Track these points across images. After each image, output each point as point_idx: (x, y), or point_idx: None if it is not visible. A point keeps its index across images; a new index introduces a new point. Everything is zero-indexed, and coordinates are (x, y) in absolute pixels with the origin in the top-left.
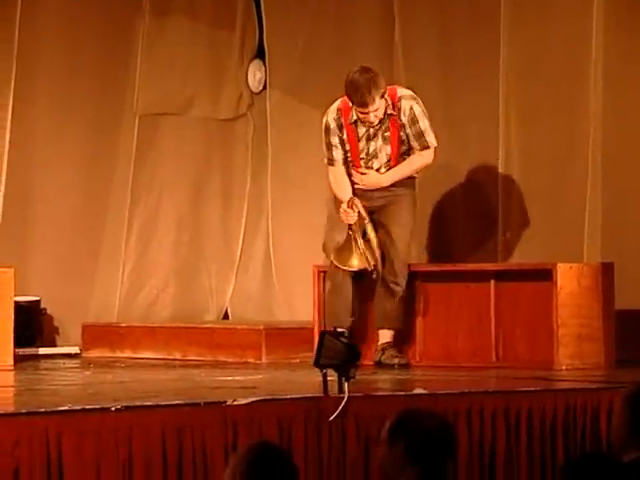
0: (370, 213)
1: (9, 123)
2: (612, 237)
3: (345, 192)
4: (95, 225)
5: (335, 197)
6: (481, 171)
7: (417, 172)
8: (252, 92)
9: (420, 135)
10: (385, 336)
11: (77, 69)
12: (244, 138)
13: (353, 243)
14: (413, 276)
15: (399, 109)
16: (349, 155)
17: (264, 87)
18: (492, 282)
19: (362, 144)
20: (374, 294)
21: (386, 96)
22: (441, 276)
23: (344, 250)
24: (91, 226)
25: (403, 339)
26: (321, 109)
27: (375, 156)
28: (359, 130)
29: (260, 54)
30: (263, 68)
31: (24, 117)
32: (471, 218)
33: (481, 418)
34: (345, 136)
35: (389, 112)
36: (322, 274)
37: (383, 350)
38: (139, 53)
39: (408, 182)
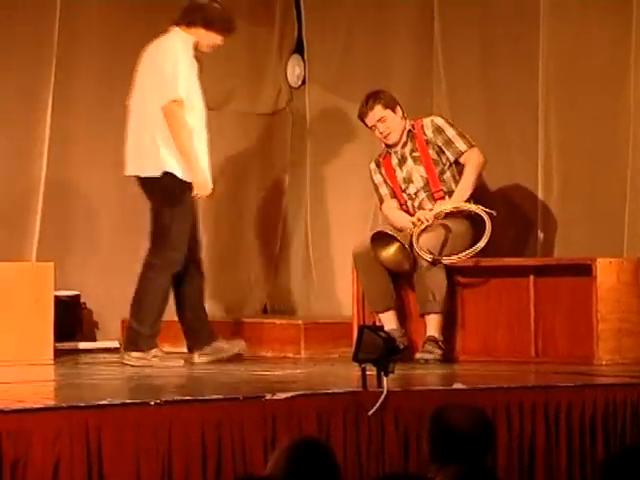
0: None
1: (49, 121)
2: None
3: (403, 220)
4: (134, 220)
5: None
6: (520, 169)
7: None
8: (291, 87)
9: (449, 143)
10: (430, 328)
11: (116, 67)
12: (283, 133)
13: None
14: (453, 271)
15: (422, 126)
16: (394, 190)
17: (303, 82)
18: (531, 277)
19: (398, 173)
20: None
21: (401, 115)
22: (481, 271)
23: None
24: (130, 221)
25: (443, 333)
26: (359, 104)
27: (410, 180)
28: (392, 161)
29: (299, 49)
30: (302, 63)
31: (64, 115)
32: (511, 214)
33: (520, 413)
34: (384, 171)
35: (408, 128)
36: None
37: (424, 344)
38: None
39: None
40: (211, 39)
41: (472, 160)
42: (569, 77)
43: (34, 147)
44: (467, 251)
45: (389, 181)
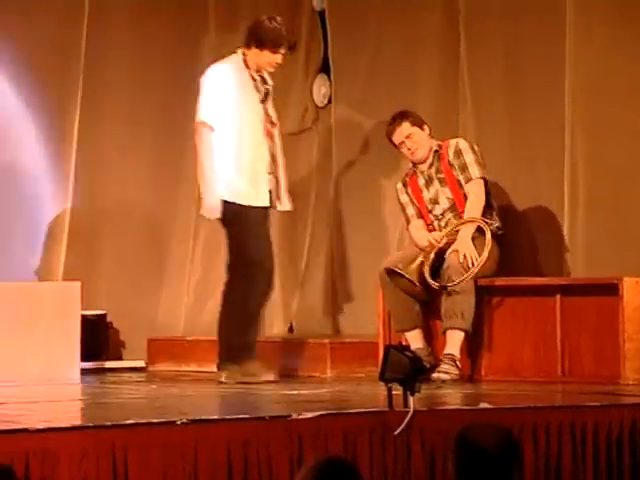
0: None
1: (76, 137)
2: None
3: (424, 238)
4: (161, 239)
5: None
6: (546, 186)
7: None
8: (317, 106)
9: (464, 168)
10: (449, 344)
11: (143, 84)
12: (309, 152)
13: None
14: (479, 290)
15: (447, 147)
16: (420, 210)
17: (329, 101)
18: (558, 296)
19: (425, 194)
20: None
21: (428, 133)
22: (507, 290)
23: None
24: (157, 240)
25: (469, 353)
26: (385, 124)
27: (436, 201)
28: (419, 181)
29: (325, 68)
30: (328, 82)
31: (91, 131)
32: (536, 232)
33: (547, 433)
34: (410, 191)
35: (435, 149)
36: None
37: (440, 362)
38: (205, 68)
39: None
40: (267, 58)
41: (473, 192)
42: (595, 93)
43: (61, 166)
44: (469, 272)
45: (415, 201)
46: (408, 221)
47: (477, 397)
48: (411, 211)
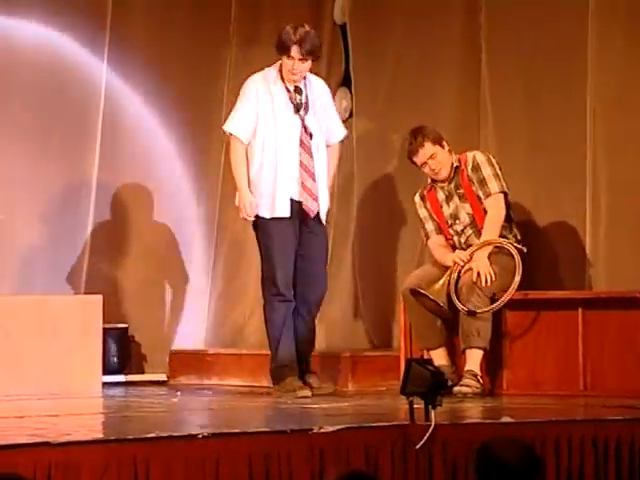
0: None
1: (98, 150)
2: None
3: (446, 260)
4: (182, 252)
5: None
6: (568, 201)
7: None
8: None
9: (483, 182)
10: (470, 362)
11: (164, 97)
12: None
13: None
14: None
15: (465, 161)
16: (440, 225)
17: (350, 115)
18: (580, 310)
19: (445, 209)
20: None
21: (448, 149)
22: (529, 304)
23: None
24: (178, 253)
25: (490, 366)
26: (406, 135)
27: (457, 217)
28: (439, 196)
29: (346, 82)
30: (349, 96)
31: (113, 144)
32: (558, 246)
33: (569, 447)
34: (429, 206)
35: (455, 164)
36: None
37: (461, 377)
38: (226, 82)
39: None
40: (287, 66)
41: (493, 208)
42: (617, 108)
43: (83, 181)
44: (502, 299)
45: (435, 216)
46: (427, 236)
47: (499, 411)
48: (430, 226)
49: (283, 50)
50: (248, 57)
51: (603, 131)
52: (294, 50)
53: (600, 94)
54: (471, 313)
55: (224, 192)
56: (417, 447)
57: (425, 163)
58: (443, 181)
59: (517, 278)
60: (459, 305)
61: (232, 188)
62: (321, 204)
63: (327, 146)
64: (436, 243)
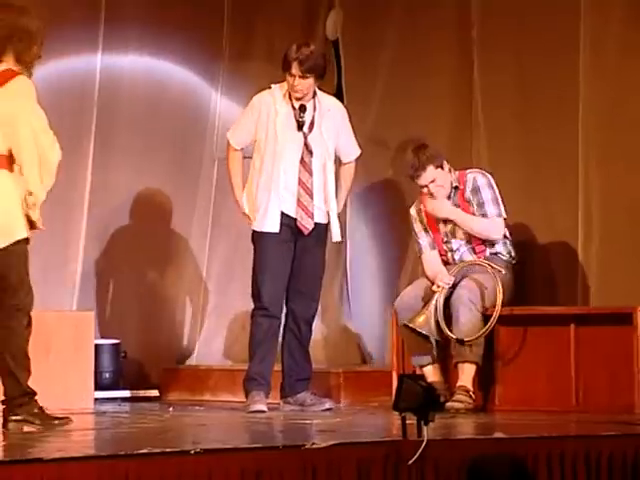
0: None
1: (90, 169)
2: None
3: (435, 280)
4: (174, 268)
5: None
6: (560, 216)
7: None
8: None
9: (482, 206)
10: (462, 377)
11: (156, 114)
12: None
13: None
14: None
15: (465, 182)
16: (435, 240)
17: None
18: (572, 326)
19: (441, 226)
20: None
21: (448, 169)
22: (520, 320)
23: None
24: (170, 269)
25: (482, 382)
26: (401, 151)
27: (453, 235)
28: None
29: (339, 97)
30: None
31: (104, 163)
32: (551, 262)
33: (561, 463)
34: (425, 220)
35: (455, 185)
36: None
37: (454, 393)
38: (218, 98)
39: (501, 262)
40: (288, 82)
41: (489, 228)
42: (609, 123)
43: (75, 195)
44: (487, 327)
45: (430, 230)
46: (421, 251)
47: (491, 426)
48: (424, 241)
49: (285, 67)
50: (240, 71)
51: (595, 146)
52: (294, 67)
53: (592, 109)
54: (460, 342)
55: (216, 204)
56: (409, 463)
57: (425, 186)
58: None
59: (499, 300)
60: (448, 333)
61: (224, 201)
62: (332, 223)
63: (342, 164)
64: (429, 259)
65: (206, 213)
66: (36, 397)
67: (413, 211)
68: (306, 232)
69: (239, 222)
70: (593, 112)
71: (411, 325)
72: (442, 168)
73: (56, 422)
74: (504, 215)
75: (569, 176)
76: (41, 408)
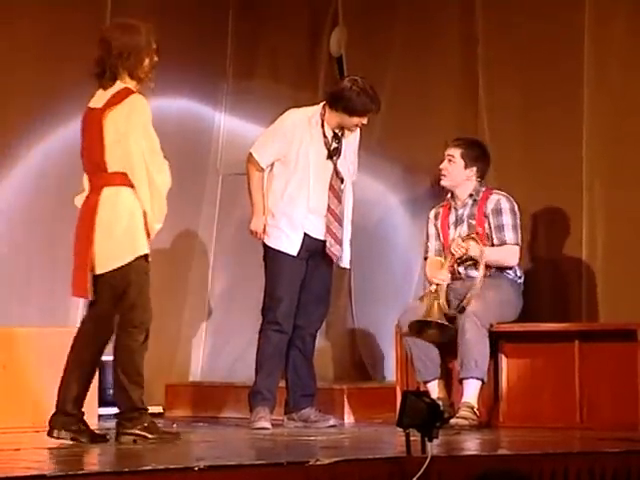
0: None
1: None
2: None
3: (433, 279)
4: (178, 284)
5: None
6: (565, 231)
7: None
8: None
9: (500, 229)
10: (467, 393)
11: (162, 128)
12: None
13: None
14: (498, 336)
15: (486, 199)
16: (444, 246)
17: None
18: (576, 342)
19: (451, 231)
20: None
21: (473, 177)
22: (525, 336)
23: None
24: (174, 285)
25: (487, 398)
26: (404, 167)
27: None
28: (450, 218)
29: None
30: None
31: None
32: (555, 278)
33: (565, 479)
34: (439, 224)
35: (474, 197)
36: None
37: (458, 409)
38: (223, 113)
39: (506, 279)
40: (348, 120)
41: (502, 251)
42: (614, 140)
43: (75, 214)
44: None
45: (442, 236)
46: (427, 252)
47: (495, 443)
48: (433, 245)
49: (357, 113)
50: (243, 89)
51: (599, 162)
52: (370, 115)
53: (596, 125)
54: (461, 310)
55: (220, 221)
56: (414, 479)
57: (443, 160)
58: (458, 199)
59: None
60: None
61: (227, 218)
62: (344, 249)
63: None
64: (432, 263)
65: (210, 230)
66: (147, 411)
67: (432, 214)
68: (335, 259)
69: (243, 238)
70: (598, 127)
71: (426, 319)
72: (464, 166)
73: (168, 436)
74: (520, 243)
75: (574, 191)
76: (153, 422)
